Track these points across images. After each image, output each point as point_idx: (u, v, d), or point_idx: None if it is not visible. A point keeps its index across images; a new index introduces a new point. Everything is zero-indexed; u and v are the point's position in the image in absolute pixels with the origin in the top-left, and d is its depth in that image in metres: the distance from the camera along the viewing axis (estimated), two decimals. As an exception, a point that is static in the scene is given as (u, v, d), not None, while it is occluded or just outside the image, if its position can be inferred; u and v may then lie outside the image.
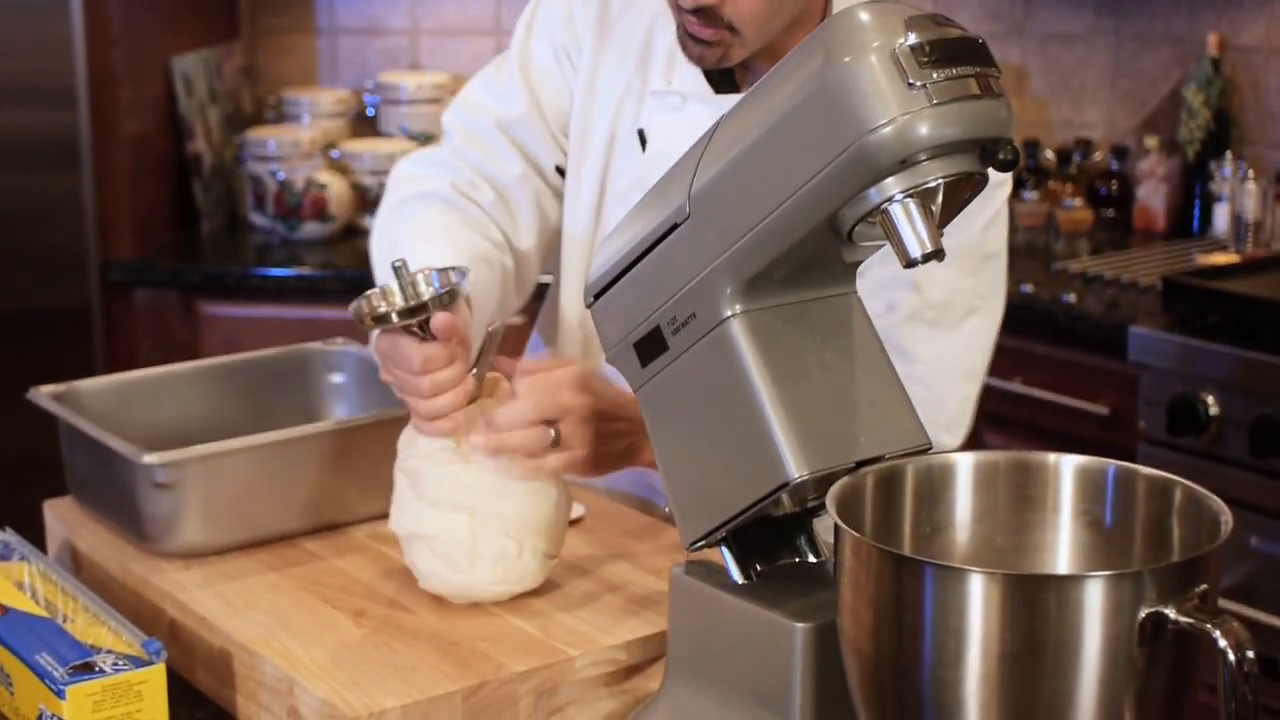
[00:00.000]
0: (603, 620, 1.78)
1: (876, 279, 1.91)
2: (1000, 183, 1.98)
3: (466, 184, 2.13)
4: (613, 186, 2.10)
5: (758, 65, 1.98)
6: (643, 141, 2.06)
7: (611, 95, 2.10)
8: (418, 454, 1.83)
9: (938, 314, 1.98)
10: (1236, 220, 3.71)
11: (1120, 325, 3.24)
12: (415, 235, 2.02)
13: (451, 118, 2.21)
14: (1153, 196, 3.93)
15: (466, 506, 1.80)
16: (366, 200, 4.09)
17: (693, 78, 2.02)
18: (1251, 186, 3.68)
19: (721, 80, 2.02)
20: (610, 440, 1.85)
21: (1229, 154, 3.79)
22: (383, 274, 2.03)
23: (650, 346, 1.56)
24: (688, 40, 1.92)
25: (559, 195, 2.17)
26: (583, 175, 2.12)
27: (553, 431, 1.81)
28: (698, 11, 1.87)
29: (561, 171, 2.15)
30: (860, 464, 1.46)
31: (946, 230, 1.88)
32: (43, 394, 2.08)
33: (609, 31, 2.11)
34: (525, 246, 2.14)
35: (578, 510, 1.96)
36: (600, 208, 2.11)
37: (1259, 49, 3.81)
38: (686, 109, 2.02)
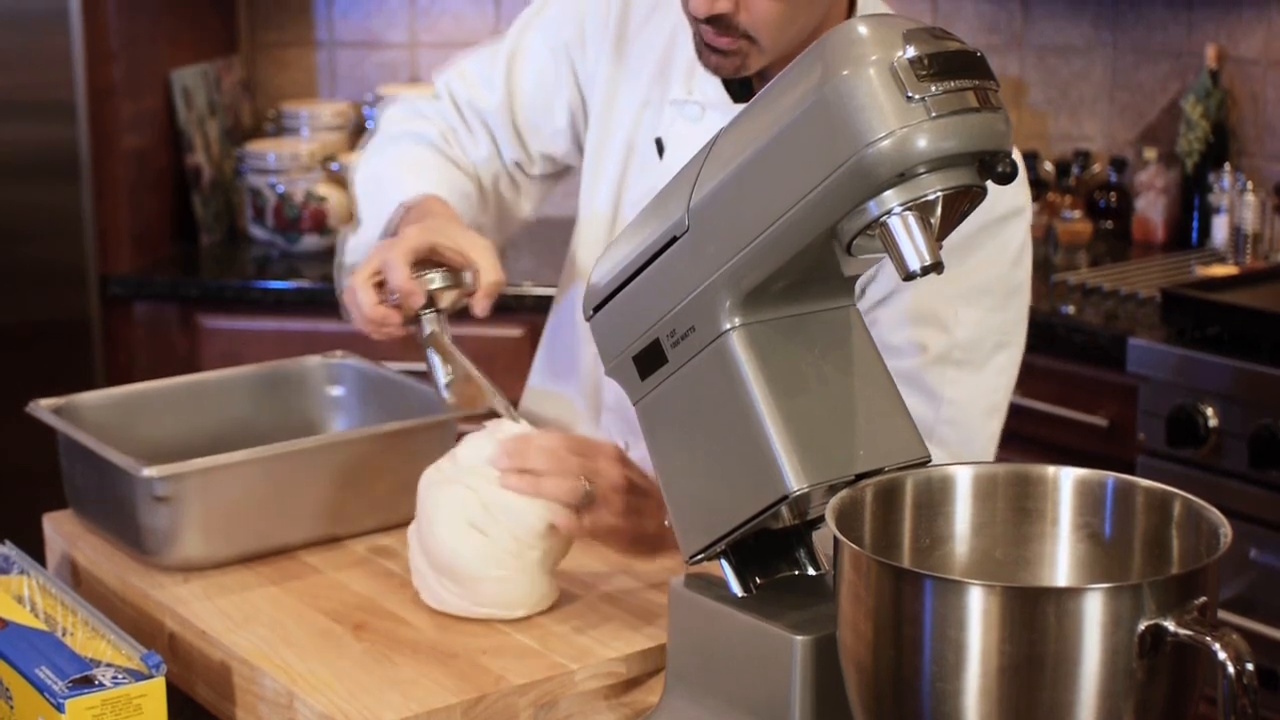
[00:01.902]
0: (602, 633, 1.78)
1: (902, 313, 1.91)
2: (1018, 211, 1.95)
3: (453, 135, 2.23)
4: (628, 195, 2.11)
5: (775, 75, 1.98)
6: (660, 150, 2.07)
7: (630, 107, 2.10)
8: (452, 468, 1.84)
9: (965, 354, 1.95)
10: (1235, 232, 3.71)
11: (1119, 337, 3.24)
12: (403, 167, 2.13)
13: (442, 81, 2.29)
14: (1151, 208, 3.93)
15: (480, 527, 1.80)
16: (366, 213, 4.09)
17: (712, 87, 2.02)
18: (1250, 198, 3.68)
19: (741, 90, 2.02)
20: (642, 517, 1.83)
21: (1228, 166, 3.79)
22: (363, 197, 2.15)
23: (650, 359, 1.56)
24: (704, 50, 1.92)
25: (517, 188, 2.25)
26: (599, 186, 2.13)
27: (587, 486, 1.81)
28: (713, 21, 1.87)
29: (521, 168, 2.22)
30: (859, 476, 1.46)
31: (973, 267, 1.90)
32: (42, 407, 2.08)
33: (629, 45, 2.12)
34: (486, 220, 2.19)
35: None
36: (615, 217, 2.12)
37: (1257, 61, 3.81)
38: (705, 119, 2.02)
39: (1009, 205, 1.93)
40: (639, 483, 1.83)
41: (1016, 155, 1.94)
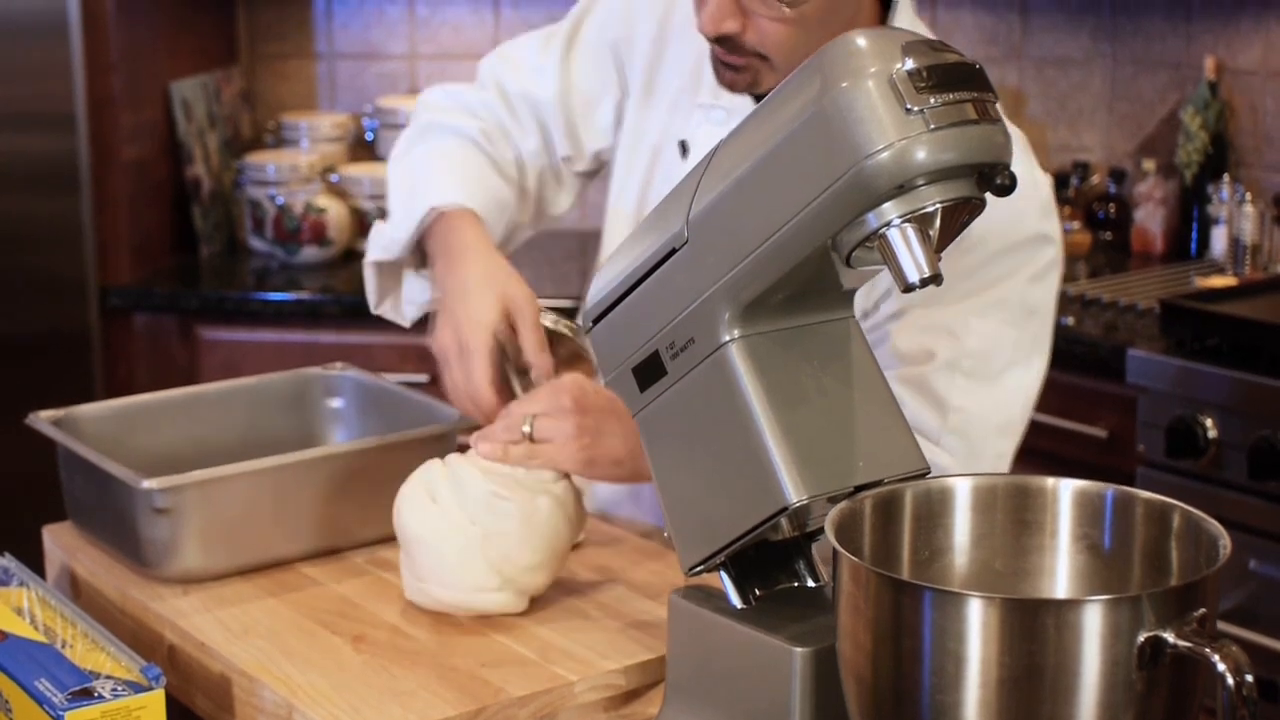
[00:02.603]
0: (602, 645, 1.78)
1: (914, 322, 1.90)
2: (1044, 239, 1.93)
3: (495, 133, 2.19)
4: (651, 197, 2.10)
5: None
6: (684, 152, 2.06)
7: (662, 109, 2.10)
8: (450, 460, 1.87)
9: (975, 363, 1.93)
10: (1234, 243, 3.72)
11: (1118, 348, 3.24)
12: (438, 165, 2.09)
13: (489, 67, 2.25)
14: (1150, 219, 3.93)
15: (434, 495, 1.84)
16: (365, 225, 4.10)
17: (740, 94, 2.01)
18: (1249, 209, 3.69)
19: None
20: (602, 437, 1.84)
21: (1226, 177, 3.79)
22: (396, 189, 2.12)
23: (649, 371, 1.56)
24: (718, 66, 1.90)
25: (560, 182, 2.22)
26: (627, 187, 2.13)
27: (529, 419, 1.82)
28: (721, 40, 1.86)
29: (570, 162, 2.18)
30: (859, 488, 1.46)
31: (989, 281, 1.89)
32: (42, 419, 2.08)
33: (668, 48, 2.11)
34: (523, 218, 2.18)
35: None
36: (639, 215, 2.11)
37: (1256, 72, 3.82)
38: (730, 124, 2.01)
39: (1034, 231, 1.92)
40: (594, 404, 1.83)
41: (1051, 187, 1.94)
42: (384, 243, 2.11)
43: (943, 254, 1.83)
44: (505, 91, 2.22)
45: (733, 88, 1.92)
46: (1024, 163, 1.91)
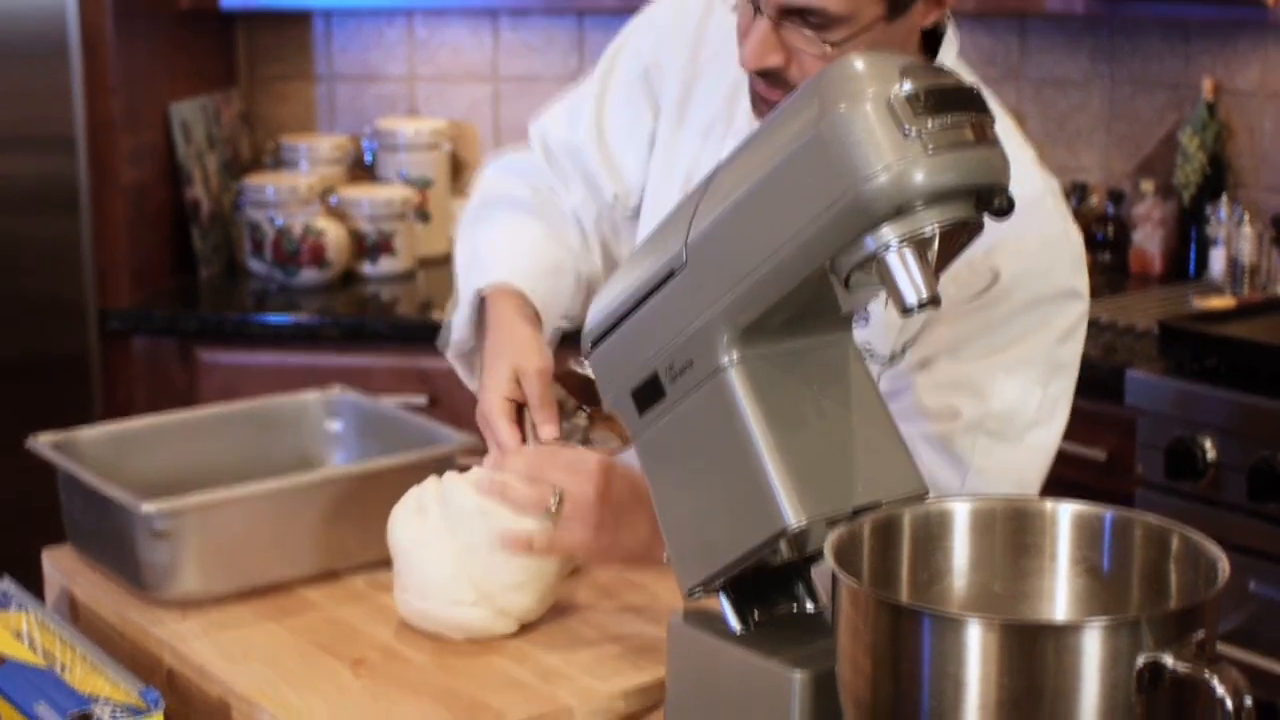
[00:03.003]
0: (602, 669, 1.77)
1: (940, 378, 1.89)
2: (1074, 294, 1.90)
3: (546, 192, 2.20)
4: None
5: None
6: None
7: (695, 130, 2.07)
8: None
9: (1000, 425, 1.90)
10: (1233, 264, 3.72)
11: (1117, 369, 3.24)
12: (496, 242, 2.11)
13: (535, 127, 2.26)
14: (1149, 240, 3.94)
15: (423, 507, 1.86)
16: (365, 246, 4.10)
17: None
18: (1247, 230, 3.69)
19: None
20: (621, 531, 1.84)
21: (1225, 198, 3.80)
22: (460, 272, 2.14)
23: (648, 394, 1.56)
24: (756, 100, 1.87)
25: (616, 226, 2.20)
26: (658, 209, 2.11)
27: (554, 500, 1.82)
28: (765, 74, 1.82)
29: (620, 201, 2.17)
30: (857, 511, 1.46)
31: (1016, 338, 1.87)
32: (42, 443, 2.08)
33: (701, 69, 2.08)
34: (592, 268, 2.19)
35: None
36: None
37: (1254, 93, 3.82)
38: None
39: (1064, 285, 1.89)
40: (618, 496, 1.83)
41: (1079, 239, 1.92)
42: (454, 338, 2.14)
43: (970, 304, 1.83)
44: (548, 147, 2.22)
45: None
46: (1056, 214, 1.90)
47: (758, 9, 1.79)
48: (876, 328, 1.88)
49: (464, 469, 1.91)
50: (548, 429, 1.91)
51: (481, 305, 2.07)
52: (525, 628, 1.87)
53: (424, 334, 3.74)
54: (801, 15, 1.76)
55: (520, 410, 1.94)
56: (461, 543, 1.83)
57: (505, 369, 1.96)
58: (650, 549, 1.83)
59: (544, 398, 1.93)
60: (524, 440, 1.92)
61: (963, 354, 1.88)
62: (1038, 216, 1.86)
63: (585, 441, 1.94)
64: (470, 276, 2.11)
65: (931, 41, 1.93)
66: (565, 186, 2.20)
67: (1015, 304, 1.86)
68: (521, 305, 2.04)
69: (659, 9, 2.17)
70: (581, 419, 1.93)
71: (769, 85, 1.83)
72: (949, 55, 1.93)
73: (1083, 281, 1.92)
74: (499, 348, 2.00)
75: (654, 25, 2.16)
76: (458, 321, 2.12)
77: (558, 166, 2.21)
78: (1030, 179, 1.89)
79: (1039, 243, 1.85)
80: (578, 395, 1.93)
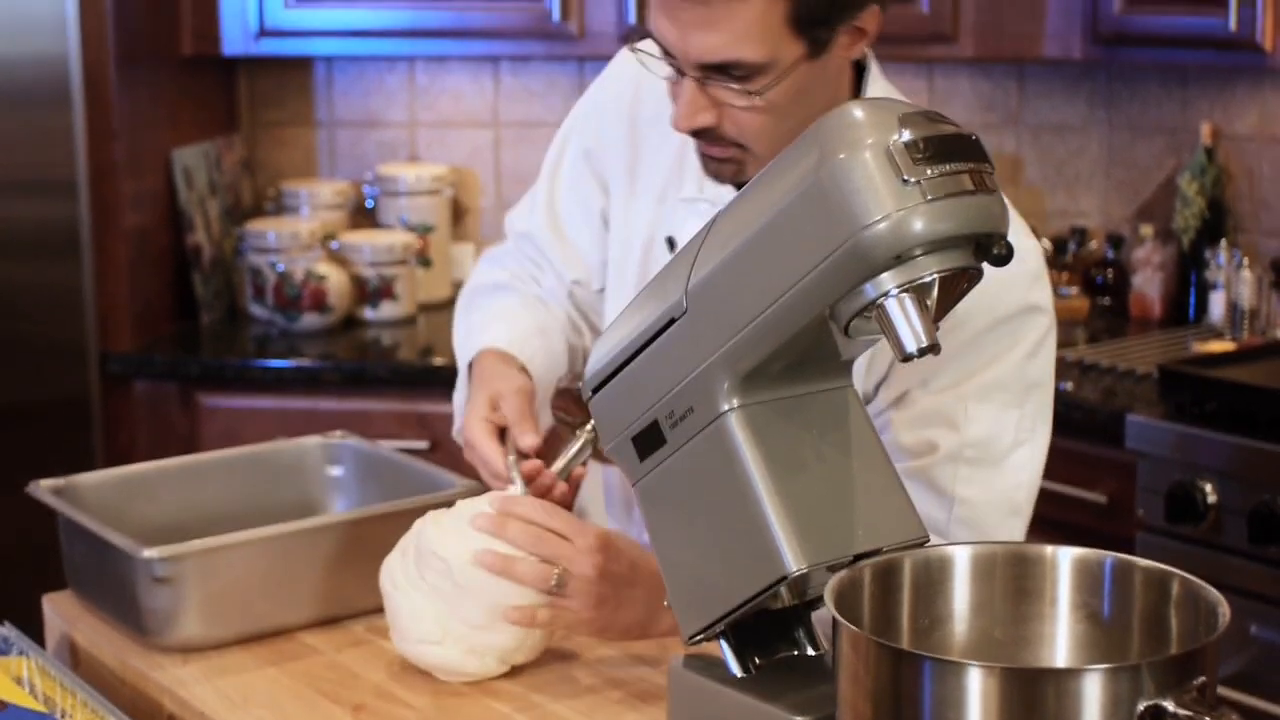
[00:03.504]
0: (601, 713, 1.77)
1: (914, 413, 1.89)
2: (1033, 309, 1.89)
3: (525, 276, 2.25)
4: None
5: None
6: (671, 248, 2.04)
7: (648, 198, 2.09)
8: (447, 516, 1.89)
9: (979, 452, 1.90)
10: (1232, 308, 3.72)
11: (1117, 413, 3.25)
12: (482, 320, 2.16)
13: (507, 220, 2.32)
14: (1148, 285, 3.94)
15: (404, 547, 1.88)
16: (366, 291, 4.11)
17: (724, 185, 1.98)
18: (1247, 274, 3.70)
19: None
20: (618, 609, 1.84)
21: (1224, 242, 3.80)
22: (458, 358, 2.20)
23: (649, 440, 1.57)
24: (704, 158, 1.89)
25: (589, 304, 2.23)
26: (623, 285, 2.12)
27: (557, 575, 1.82)
28: (699, 134, 1.84)
29: (581, 285, 2.21)
30: (858, 557, 1.47)
31: (985, 363, 1.88)
32: (42, 488, 2.09)
33: (643, 136, 2.10)
34: (582, 340, 2.23)
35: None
36: None
37: (1252, 138, 3.84)
38: None
39: (1022, 302, 1.88)
40: (618, 572, 1.83)
41: (1040, 255, 1.93)
42: (456, 417, 2.18)
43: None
44: (517, 237, 2.28)
45: (718, 178, 1.91)
46: (1013, 231, 1.89)
47: (680, 71, 1.80)
48: None
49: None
50: (527, 439, 1.94)
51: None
52: (524, 672, 1.87)
53: (425, 379, 3.76)
54: (723, 70, 1.77)
55: (502, 433, 1.96)
56: (429, 583, 1.85)
57: (483, 397, 2.00)
58: (647, 625, 1.86)
59: (522, 412, 1.96)
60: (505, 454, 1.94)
61: (933, 385, 1.88)
62: None
63: (594, 455, 1.95)
64: (462, 357, 2.17)
65: (858, 74, 1.94)
66: (539, 270, 2.25)
67: (977, 327, 1.86)
68: (504, 358, 2.08)
69: (592, 92, 2.21)
70: (587, 433, 1.94)
71: (708, 143, 1.85)
72: (877, 87, 1.94)
73: (1043, 295, 1.91)
74: (477, 387, 2.04)
75: (589, 108, 2.20)
76: (457, 400, 2.17)
77: (524, 253, 2.26)
78: None
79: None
80: (584, 411, 1.94)
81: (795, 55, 1.77)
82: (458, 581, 1.83)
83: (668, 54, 1.81)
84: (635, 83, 2.08)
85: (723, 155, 1.86)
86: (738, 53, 1.75)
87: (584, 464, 1.98)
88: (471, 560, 1.83)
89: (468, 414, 2.00)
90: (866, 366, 1.89)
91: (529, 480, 1.92)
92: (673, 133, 1.94)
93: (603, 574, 1.82)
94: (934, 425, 1.89)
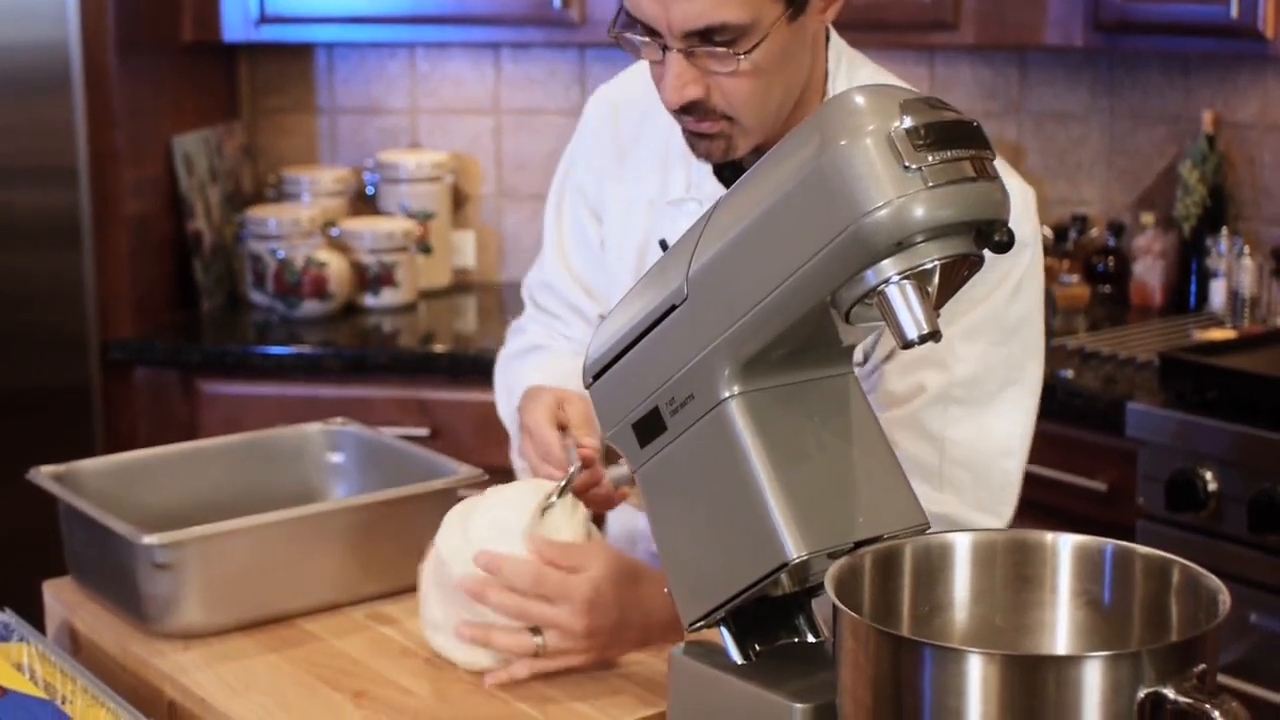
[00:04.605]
0: (604, 701, 1.77)
1: (904, 360, 1.90)
2: (1020, 245, 1.86)
3: (553, 334, 2.28)
4: None
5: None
6: (665, 250, 2.05)
7: (638, 213, 2.11)
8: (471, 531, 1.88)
9: (967, 391, 1.91)
10: (1233, 296, 3.72)
11: (1118, 401, 3.25)
12: (522, 377, 2.18)
13: (524, 286, 2.35)
14: (1149, 272, 3.94)
15: (435, 558, 1.88)
16: (366, 278, 4.11)
17: (710, 183, 2.00)
18: (1248, 262, 3.70)
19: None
20: (611, 647, 1.85)
21: (1225, 230, 3.80)
22: (504, 414, 2.24)
23: (649, 427, 1.56)
24: (692, 139, 1.90)
25: None
26: (623, 285, 2.13)
27: (538, 641, 1.82)
28: (689, 109, 1.85)
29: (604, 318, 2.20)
30: (858, 544, 1.47)
31: (970, 302, 1.88)
32: (43, 474, 2.09)
33: (627, 152, 2.13)
34: None
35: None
36: None
37: (1254, 125, 3.83)
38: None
39: None
40: (605, 626, 1.82)
41: (1026, 193, 1.92)
42: (514, 464, 2.21)
43: None
44: (534, 296, 2.31)
45: (709, 157, 1.91)
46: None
47: (665, 47, 1.81)
48: None
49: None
50: (589, 440, 1.94)
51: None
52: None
53: (425, 366, 3.76)
54: (706, 36, 1.79)
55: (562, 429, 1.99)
56: (434, 566, 1.87)
57: (550, 396, 2.02)
58: (644, 645, 1.87)
59: (586, 417, 1.96)
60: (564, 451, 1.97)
61: None
62: None
63: (630, 483, 1.95)
64: (509, 414, 2.20)
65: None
66: (561, 321, 2.27)
67: None
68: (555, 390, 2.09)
69: (575, 136, 2.24)
70: (625, 466, 1.94)
71: (696, 119, 1.86)
72: (839, 54, 1.97)
73: (1029, 229, 1.91)
74: (537, 392, 2.06)
75: (575, 151, 2.23)
76: (515, 451, 2.18)
77: (548, 308, 2.28)
78: None
79: None
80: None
81: (775, 14, 1.80)
82: (448, 580, 1.84)
83: (651, 33, 1.81)
84: (613, 105, 2.14)
85: (712, 130, 1.87)
86: (721, 15, 1.77)
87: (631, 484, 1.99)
88: (460, 570, 1.83)
89: (534, 410, 2.01)
90: None
91: (587, 465, 1.93)
92: (656, 140, 1.99)
93: (590, 632, 1.82)
94: (923, 368, 1.90)
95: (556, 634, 1.81)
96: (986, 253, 1.85)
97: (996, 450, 1.93)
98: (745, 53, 1.79)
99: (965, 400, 1.91)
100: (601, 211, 2.18)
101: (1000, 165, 1.90)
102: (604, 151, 2.17)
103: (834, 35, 1.98)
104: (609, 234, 2.17)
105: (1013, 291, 1.91)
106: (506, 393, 2.24)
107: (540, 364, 2.21)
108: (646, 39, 1.83)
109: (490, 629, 1.83)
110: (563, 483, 1.88)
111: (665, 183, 2.07)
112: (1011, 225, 1.87)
